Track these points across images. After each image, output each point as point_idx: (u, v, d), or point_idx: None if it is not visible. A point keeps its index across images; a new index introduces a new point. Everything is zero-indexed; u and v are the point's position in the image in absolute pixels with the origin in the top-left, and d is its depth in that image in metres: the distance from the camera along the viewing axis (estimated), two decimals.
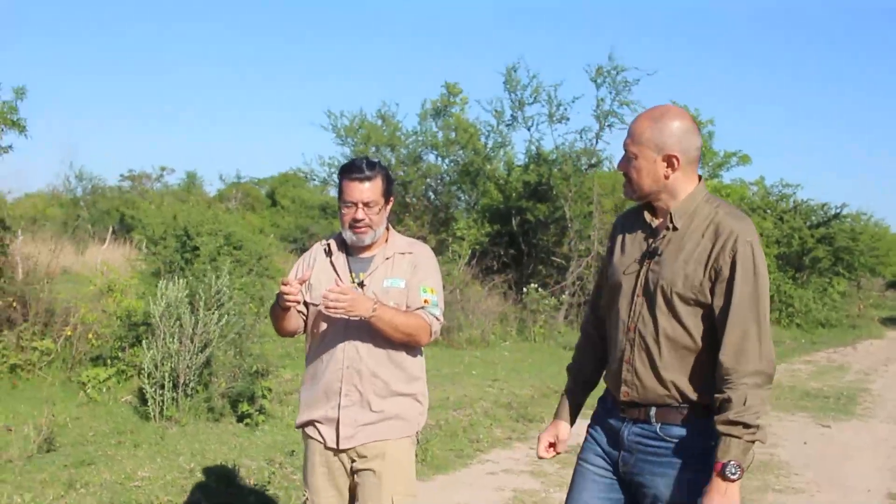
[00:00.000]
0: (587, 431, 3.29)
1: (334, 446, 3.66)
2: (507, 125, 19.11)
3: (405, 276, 3.69)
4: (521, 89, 18.06)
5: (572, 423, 3.39)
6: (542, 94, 17.91)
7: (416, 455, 3.63)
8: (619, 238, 3.23)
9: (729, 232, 2.91)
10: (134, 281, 10.37)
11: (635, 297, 3.07)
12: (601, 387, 3.35)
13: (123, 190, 42.01)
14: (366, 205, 3.62)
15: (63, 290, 11.71)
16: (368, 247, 3.72)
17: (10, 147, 12.21)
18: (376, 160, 3.78)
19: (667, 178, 3.02)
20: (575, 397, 3.41)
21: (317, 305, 3.65)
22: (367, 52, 77.69)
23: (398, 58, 72.84)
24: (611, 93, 17.83)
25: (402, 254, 3.75)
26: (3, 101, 12.14)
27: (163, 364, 7.91)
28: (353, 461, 3.69)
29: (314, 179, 21.90)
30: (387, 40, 76.60)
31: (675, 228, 3.03)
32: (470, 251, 18.13)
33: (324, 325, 3.69)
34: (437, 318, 3.69)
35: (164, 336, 7.93)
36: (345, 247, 3.79)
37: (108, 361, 9.56)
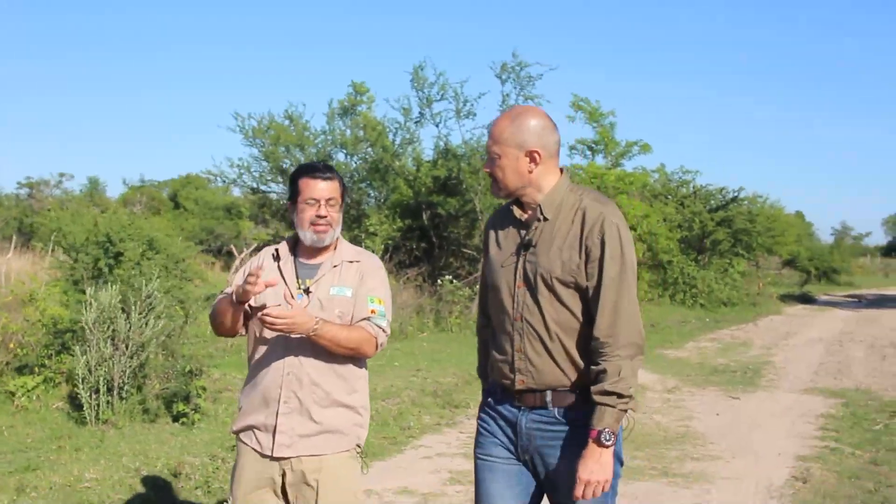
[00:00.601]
0: (478, 426, 3.38)
1: (269, 453, 3.60)
2: (415, 122, 19.40)
3: (352, 284, 3.67)
4: (428, 87, 18.35)
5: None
6: (448, 91, 18.22)
7: (364, 464, 3.70)
8: (493, 236, 3.34)
9: (597, 215, 3.06)
10: (57, 289, 10.37)
11: (516, 289, 3.17)
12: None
13: (21, 198, 41.19)
14: (328, 202, 3.62)
15: None
16: (317, 254, 3.69)
17: None
18: (330, 164, 3.85)
19: (530, 172, 3.14)
20: None
21: (261, 309, 3.55)
22: (271, 54, 77.27)
23: (302, 59, 72.62)
24: (515, 88, 18.24)
25: (350, 262, 3.73)
26: None
27: (97, 369, 8.01)
28: (286, 474, 3.63)
29: (224, 181, 21.86)
30: (291, 41, 76.32)
31: (545, 219, 3.15)
32: (383, 246, 18.36)
33: (266, 331, 3.60)
34: (382, 330, 3.66)
35: (98, 341, 8.02)
36: (293, 253, 3.76)
37: (36, 370, 9.58)
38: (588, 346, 3.06)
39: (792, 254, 38.43)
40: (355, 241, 18.81)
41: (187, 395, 8.23)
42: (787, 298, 29.40)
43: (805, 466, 7.31)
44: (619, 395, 2.97)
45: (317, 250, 3.70)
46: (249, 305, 3.63)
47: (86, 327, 8.13)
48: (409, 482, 6.74)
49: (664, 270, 23.95)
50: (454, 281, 17.65)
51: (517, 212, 3.23)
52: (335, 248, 3.74)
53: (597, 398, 2.98)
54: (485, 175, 18.79)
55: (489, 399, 3.33)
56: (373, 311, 3.64)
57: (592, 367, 3.03)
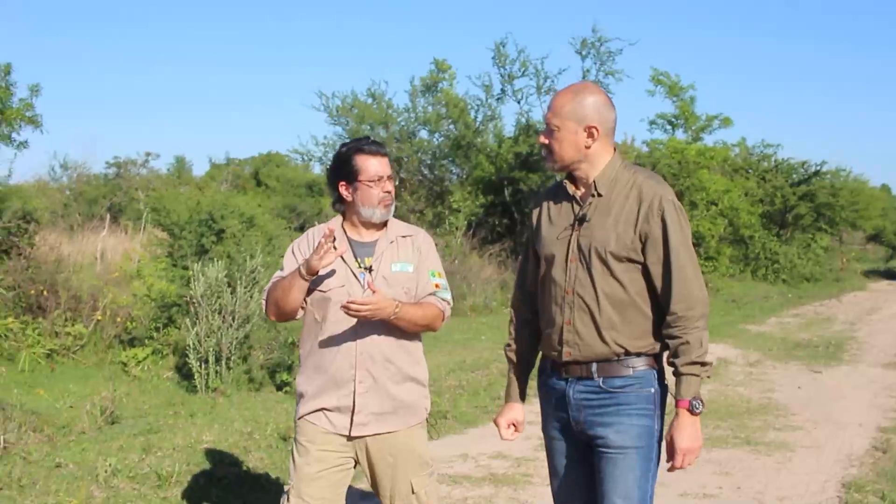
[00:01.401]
0: (540, 406, 3.42)
1: (346, 434, 3.61)
2: (497, 99, 19.73)
3: (412, 260, 3.69)
4: (509, 64, 18.67)
5: (523, 400, 3.53)
6: (529, 67, 18.56)
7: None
8: (545, 211, 3.37)
9: (653, 193, 3.13)
10: (162, 265, 10.94)
11: (569, 263, 3.21)
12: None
13: (109, 177, 42.26)
14: (389, 178, 3.67)
15: (76, 277, 12.29)
16: (369, 231, 3.69)
17: (27, 142, 12.75)
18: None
19: (587, 147, 3.18)
20: (520, 377, 3.53)
21: (323, 292, 3.62)
22: (352, 32, 77.76)
23: (384, 36, 72.97)
24: (595, 63, 18.53)
25: (405, 237, 3.74)
26: (20, 99, 12.69)
27: (206, 340, 8.53)
28: (364, 451, 3.66)
29: (309, 159, 22.43)
30: (372, 19, 76.64)
31: (599, 195, 3.20)
32: (466, 223, 18.73)
33: (334, 313, 3.59)
34: (448, 303, 3.74)
35: (207, 314, 8.53)
36: (343, 232, 3.74)
37: (146, 342, 10.17)
38: (635, 319, 3.15)
39: (877, 228, 37.82)
40: (439, 217, 19.25)
41: (290, 364, 8.70)
42: (872, 274, 29.14)
43: (885, 437, 7.51)
44: (703, 364, 3.08)
45: (368, 228, 3.69)
46: (310, 288, 3.61)
47: (195, 301, 8.64)
48: (503, 447, 7.09)
49: (746, 246, 23.92)
50: None
51: (570, 188, 3.27)
52: (385, 225, 3.73)
53: (684, 370, 3.07)
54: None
55: (541, 376, 3.40)
56: (437, 286, 3.70)
57: (671, 339, 3.11)
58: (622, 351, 3.15)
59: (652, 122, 25.38)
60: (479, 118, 20.45)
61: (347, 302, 3.40)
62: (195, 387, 8.62)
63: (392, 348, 3.63)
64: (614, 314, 3.15)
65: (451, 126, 20.41)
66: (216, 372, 8.61)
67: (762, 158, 27.01)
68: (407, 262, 3.68)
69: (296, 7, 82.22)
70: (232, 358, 8.69)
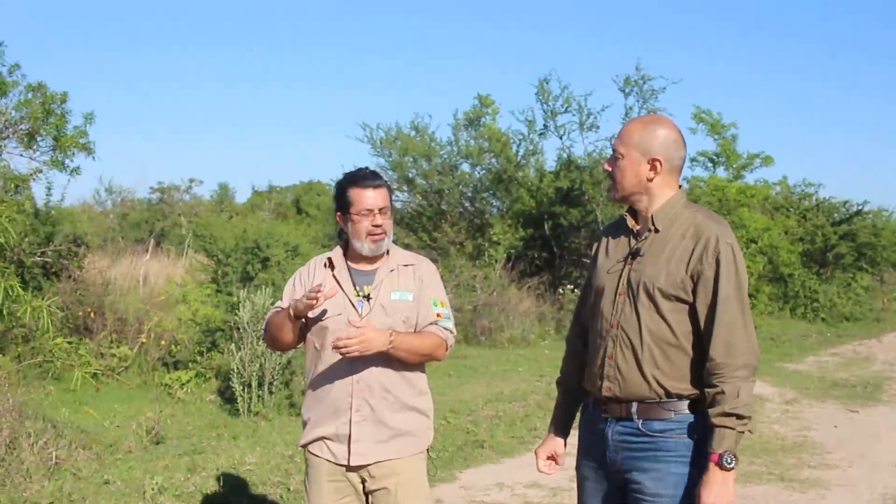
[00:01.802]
0: (579, 441, 3.38)
1: (345, 463, 3.61)
2: (539, 134, 19.89)
3: (412, 288, 3.67)
4: (552, 100, 18.85)
5: (566, 435, 3.50)
6: (573, 104, 18.69)
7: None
8: (604, 244, 3.36)
9: (710, 234, 3.06)
10: (207, 291, 11.19)
11: (618, 296, 3.18)
12: None
13: (152, 203, 42.83)
14: (381, 211, 3.63)
15: (122, 300, 12.60)
16: (370, 260, 3.69)
17: (79, 169, 13.12)
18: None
19: (649, 180, 3.16)
20: (566, 409, 3.50)
21: (320, 320, 3.64)
22: (396, 64, 78.44)
23: (428, 70, 73.53)
24: (638, 101, 18.58)
25: (406, 266, 3.73)
26: (75, 126, 13.06)
27: (250, 365, 8.73)
28: (364, 481, 3.66)
29: None
30: (416, 53, 77.22)
31: (656, 230, 3.16)
32: (505, 255, 18.86)
33: (328, 342, 3.58)
34: (451, 332, 3.69)
35: (252, 339, 8.74)
36: (345, 261, 3.76)
37: (190, 365, 10.40)
38: (679, 362, 3.09)
39: None
40: (478, 249, 19.39)
41: None
42: None
43: None
44: (739, 417, 2.97)
45: (371, 257, 3.70)
46: (306, 318, 3.64)
47: (241, 326, 8.85)
48: (538, 477, 7.20)
49: (785, 284, 23.84)
50: (575, 290, 18.05)
51: (630, 221, 3.26)
52: (388, 253, 3.74)
53: (716, 420, 2.98)
54: (606, 186, 19.30)
55: (584, 412, 3.37)
56: (438, 315, 3.66)
57: (708, 388, 3.03)
58: (662, 392, 3.09)
59: (693, 160, 25.47)
60: (521, 152, 20.61)
61: (334, 339, 3.40)
62: (238, 410, 8.82)
63: (390, 378, 3.61)
64: (657, 352, 3.09)
65: (493, 160, 20.56)
66: (259, 396, 8.80)
67: (803, 197, 26.94)
68: (407, 291, 3.66)
69: (341, 40, 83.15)
70: (274, 383, 8.88)
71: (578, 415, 3.46)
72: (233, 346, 8.95)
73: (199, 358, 10.41)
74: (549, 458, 3.52)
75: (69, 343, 10.59)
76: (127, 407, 9.08)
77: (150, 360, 11.02)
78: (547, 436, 3.56)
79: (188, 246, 21.50)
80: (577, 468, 3.38)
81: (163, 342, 11.30)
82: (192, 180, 43.39)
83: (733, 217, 20.15)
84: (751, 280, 20.26)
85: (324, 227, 41.84)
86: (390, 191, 3.74)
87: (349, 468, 3.61)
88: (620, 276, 3.19)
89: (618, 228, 3.34)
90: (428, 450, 3.78)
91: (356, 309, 3.62)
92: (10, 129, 12.81)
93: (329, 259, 3.74)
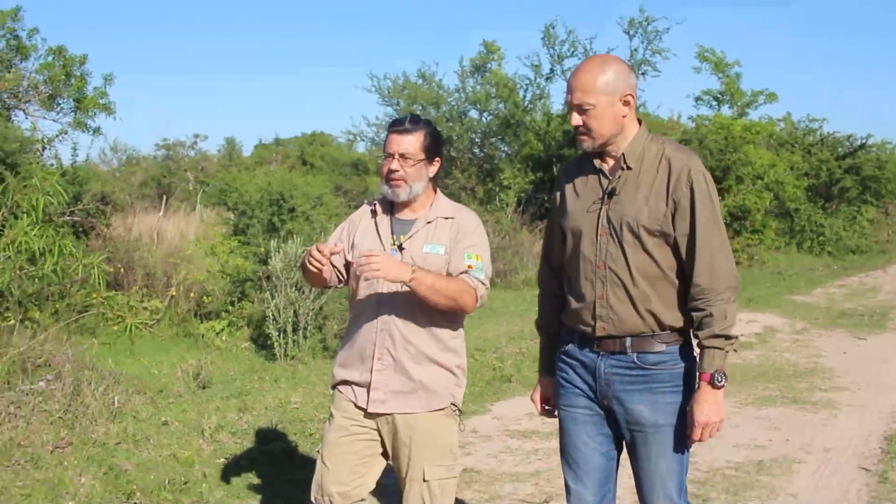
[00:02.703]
0: (558, 377, 3.39)
1: (364, 407, 3.65)
2: (546, 78, 20.18)
3: (445, 242, 3.61)
4: (559, 44, 19.13)
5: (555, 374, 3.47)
6: (578, 47, 18.98)
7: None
8: (569, 187, 3.33)
9: (682, 165, 3.10)
10: (234, 243, 11.57)
11: (599, 236, 3.18)
12: None
13: (158, 159, 43.00)
14: (402, 156, 3.58)
15: (148, 255, 13.00)
16: (413, 209, 3.66)
17: (101, 128, 13.49)
18: (423, 118, 3.77)
19: (624, 117, 3.16)
20: (552, 350, 3.49)
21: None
22: (400, 13, 78.13)
23: (433, 19, 73.35)
24: (643, 42, 18.90)
25: (446, 218, 3.67)
26: (95, 88, 13.40)
27: (285, 311, 9.15)
28: (381, 429, 3.68)
29: (364, 140, 23.06)
30: (422, 1, 76.91)
31: (628, 168, 3.17)
32: (516, 199, 19.21)
33: (363, 288, 3.66)
34: (482, 283, 3.58)
35: (285, 287, 9.15)
36: (390, 208, 3.75)
37: (221, 315, 10.81)
38: (668, 294, 3.16)
39: None
40: (489, 194, 19.75)
41: None
42: None
43: None
44: (727, 337, 3.07)
45: (412, 205, 3.67)
46: (348, 260, 3.71)
47: (275, 275, 9.25)
48: None
49: (791, 219, 24.19)
50: None
51: (597, 162, 3.24)
52: (431, 205, 3.71)
53: (706, 342, 3.08)
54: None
55: (567, 347, 3.35)
56: (469, 266, 3.57)
57: (695, 312, 3.11)
58: (656, 325, 3.15)
59: (698, 99, 25.74)
60: (528, 97, 20.92)
61: (355, 262, 3.40)
62: (274, 355, 9.24)
63: (413, 330, 3.59)
64: (648, 288, 3.14)
65: (501, 105, 20.88)
66: (294, 341, 9.22)
67: (807, 133, 27.18)
68: (439, 244, 3.61)
69: None
70: (308, 328, 9.29)
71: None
72: (267, 294, 9.35)
73: (230, 308, 10.82)
74: (544, 399, 3.56)
75: (103, 299, 11.03)
76: (166, 356, 9.51)
77: (181, 312, 11.41)
78: (538, 380, 3.59)
79: (199, 202, 21.89)
80: (561, 401, 3.39)
81: (192, 294, 11.72)
82: (197, 136, 43.47)
83: (739, 154, 20.44)
84: (757, 216, 20.63)
85: (329, 178, 42.16)
86: (433, 140, 3.66)
87: (367, 414, 3.65)
88: (598, 216, 3.19)
89: (582, 168, 3.32)
90: (457, 409, 3.72)
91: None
92: (33, 92, 13.15)
93: (375, 204, 3.77)
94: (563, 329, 3.39)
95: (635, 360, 3.17)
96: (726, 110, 25.01)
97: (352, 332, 3.74)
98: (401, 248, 3.62)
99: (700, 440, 3.13)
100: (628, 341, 3.17)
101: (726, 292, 3.08)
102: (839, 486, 5.62)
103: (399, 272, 3.36)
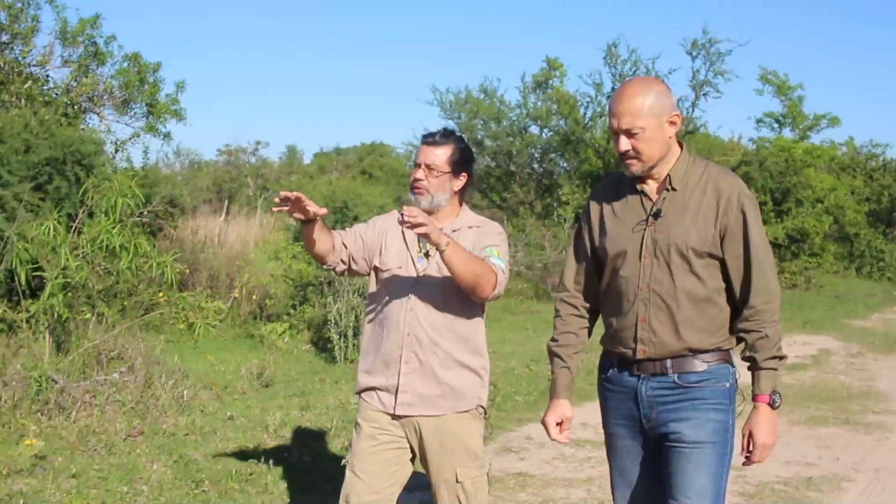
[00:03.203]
0: (602, 403, 3.40)
1: (391, 411, 3.68)
2: (607, 97, 20.28)
3: (469, 248, 3.60)
4: (621, 63, 19.27)
5: (570, 397, 3.45)
6: (640, 67, 19.10)
7: (488, 426, 3.79)
8: (607, 208, 3.30)
9: (730, 189, 3.10)
10: (297, 248, 11.86)
11: (643, 259, 3.15)
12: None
13: (219, 165, 43.67)
14: (427, 167, 3.68)
15: (212, 258, 13.35)
16: (438, 219, 3.64)
17: (171, 133, 13.91)
18: (456, 132, 3.86)
19: (671, 138, 3.15)
20: (568, 373, 3.45)
21: (383, 272, 3.75)
22: (465, 30, 78.69)
23: (497, 34, 73.79)
24: (705, 64, 18.98)
25: (470, 227, 3.76)
26: (167, 94, 13.84)
27: (346, 316, 9.40)
28: (410, 435, 3.72)
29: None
30: (485, 17, 77.35)
31: (673, 189, 3.15)
32: (573, 215, 19.34)
33: (388, 294, 3.73)
34: (502, 271, 3.64)
35: (347, 292, 9.40)
36: None
37: (284, 317, 11.11)
38: (712, 315, 3.14)
39: None
40: (547, 209, 19.91)
41: None
42: None
43: None
44: (781, 358, 3.09)
45: (437, 216, 3.68)
46: (376, 267, 3.79)
47: (337, 280, 9.51)
48: None
49: (851, 243, 24.02)
50: None
51: (639, 184, 3.21)
52: (456, 216, 3.79)
53: (764, 364, 3.07)
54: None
55: (608, 372, 3.35)
56: (489, 257, 3.63)
57: (748, 333, 3.10)
58: (698, 346, 3.14)
59: (759, 121, 25.64)
60: (588, 114, 21.07)
61: (404, 209, 3.34)
62: (334, 358, 9.50)
63: (441, 333, 3.67)
64: (692, 311, 3.12)
65: (561, 122, 21.06)
66: (354, 345, 9.46)
67: (870, 157, 26.99)
68: None
69: (411, 6, 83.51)
70: None
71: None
72: (330, 299, 9.61)
73: (291, 311, 11.11)
74: (558, 423, 3.43)
75: (169, 297, 11.38)
76: (229, 355, 9.81)
77: (242, 314, 11.72)
78: (551, 402, 3.48)
79: (260, 207, 22.30)
80: (606, 429, 3.38)
81: (254, 297, 12.04)
82: (258, 142, 44.10)
83: (799, 177, 20.41)
84: (816, 239, 20.55)
85: (387, 188, 42.56)
86: (461, 154, 3.76)
87: (395, 416, 3.68)
88: (643, 238, 3.16)
89: (618, 191, 3.29)
90: (483, 410, 3.78)
91: (415, 265, 3.73)
92: (107, 97, 13.61)
93: (402, 213, 3.64)
94: (607, 355, 3.38)
95: (676, 380, 3.15)
96: (787, 133, 24.93)
97: (374, 338, 3.79)
98: (427, 255, 3.70)
99: (759, 461, 3.13)
100: (669, 363, 3.16)
101: (777, 313, 3.10)
102: None
103: (440, 234, 3.38)
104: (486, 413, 3.82)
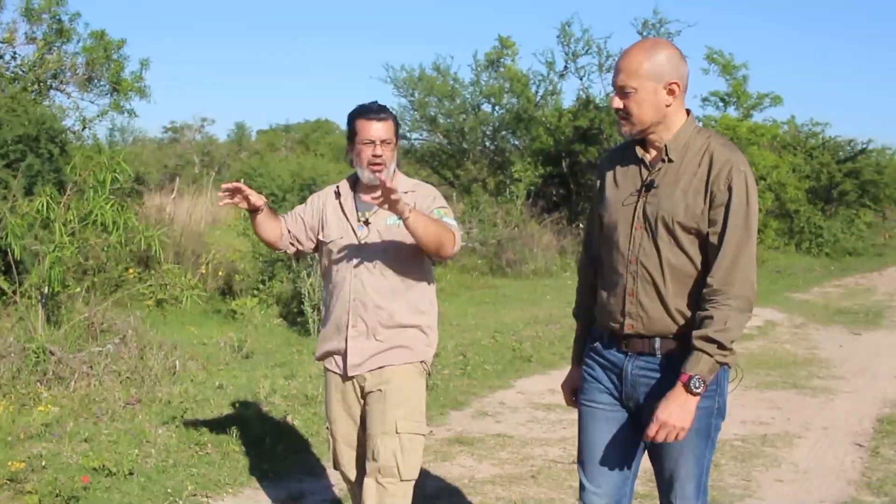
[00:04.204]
0: (583, 372, 3.31)
1: (343, 373, 3.91)
2: (560, 75, 20.76)
3: None
4: (574, 42, 19.72)
5: None
6: (593, 46, 19.58)
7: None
8: (610, 175, 3.22)
9: (724, 161, 2.96)
10: None
11: (633, 230, 3.07)
12: None
13: (164, 142, 43.35)
14: (383, 142, 3.81)
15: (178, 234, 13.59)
16: (375, 189, 3.60)
17: (135, 110, 14.08)
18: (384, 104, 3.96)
19: (667, 106, 3.03)
20: (585, 341, 3.38)
21: (326, 244, 3.93)
22: (418, 8, 78.82)
23: (449, 13, 74.03)
24: None
25: (406, 192, 3.81)
26: (131, 72, 14.00)
27: (320, 289, 9.75)
28: (361, 387, 3.90)
29: None
30: None
31: (670, 160, 3.04)
32: (526, 192, 19.79)
33: (334, 264, 3.90)
34: (457, 228, 3.81)
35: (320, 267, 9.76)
36: (353, 190, 3.98)
37: (253, 293, 11.43)
38: (699, 293, 3.00)
39: None
40: (500, 186, 20.35)
41: None
42: None
43: None
44: (720, 345, 2.90)
45: (375, 186, 3.71)
46: (321, 241, 4.00)
47: (311, 255, 9.85)
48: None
49: (791, 220, 24.75)
50: None
51: (640, 151, 3.12)
52: (393, 181, 3.80)
53: (696, 343, 2.91)
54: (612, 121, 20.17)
55: (595, 344, 3.26)
56: (440, 218, 3.79)
57: (699, 311, 2.96)
58: (687, 326, 3.02)
59: (705, 100, 26.23)
60: (540, 93, 21.49)
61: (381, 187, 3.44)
62: (308, 331, 9.86)
63: (384, 296, 3.83)
64: (679, 287, 3.03)
65: (513, 100, 21.45)
66: None
67: (810, 136, 27.72)
68: None
69: None
70: None
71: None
72: (304, 273, 9.97)
73: (260, 286, 11.44)
74: (573, 390, 3.44)
75: (138, 273, 11.63)
76: (201, 329, 10.13)
77: (209, 290, 11.99)
78: (571, 369, 3.51)
79: (209, 185, 22.45)
80: (582, 395, 3.31)
81: (220, 273, 12.34)
82: (204, 119, 43.81)
83: (744, 155, 21.03)
84: (759, 216, 21.20)
85: (335, 165, 42.57)
86: (397, 125, 3.93)
87: (347, 377, 3.91)
88: (635, 209, 3.08)
89: (623, 158, 3.20)
90: (423, 363, 3.94)
91: (355, 233, 3.89)
92: (70, 74, 13.74)
93: (338, 187, 4.04)
94: (597, 328, 3.29)
95: (663, 361, 3.07)
96: (732, 112, 25.56)
97: (328, 307, 3.99)
98: (367, 222, 3.87)
99: (654, 439, 2.99)
100: (657, 342, 3.07)
101: (737, 300, 2.92)
102: (835, 458, 6.25)
103: (404, 205, 3.50)
104: (429, 374, 4.02)
